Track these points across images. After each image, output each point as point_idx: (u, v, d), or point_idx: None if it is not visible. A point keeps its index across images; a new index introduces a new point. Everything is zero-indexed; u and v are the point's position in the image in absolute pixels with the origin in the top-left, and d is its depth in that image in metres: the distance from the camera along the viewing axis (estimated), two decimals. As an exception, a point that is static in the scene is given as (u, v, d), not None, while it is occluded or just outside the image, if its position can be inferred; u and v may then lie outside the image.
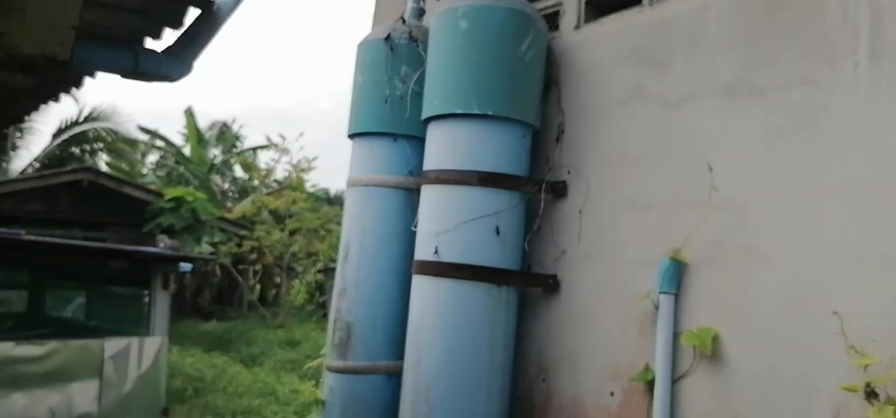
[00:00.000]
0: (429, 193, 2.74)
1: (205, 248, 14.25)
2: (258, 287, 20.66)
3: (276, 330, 15.66)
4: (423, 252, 2.71)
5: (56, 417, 8.42)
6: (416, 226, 2.81)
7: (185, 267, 10.41)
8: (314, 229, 16.62)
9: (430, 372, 2.62)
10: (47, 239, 8.25)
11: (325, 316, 13.88)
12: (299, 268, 19.22)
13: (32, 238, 8.13)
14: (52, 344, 8.68)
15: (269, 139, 19.04)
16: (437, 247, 2.65)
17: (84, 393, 8.80)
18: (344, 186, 3.27)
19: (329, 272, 16.40)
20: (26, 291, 11.99)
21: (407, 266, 2.89)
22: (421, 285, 2.71)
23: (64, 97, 3.95)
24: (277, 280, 19.81)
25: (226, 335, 15.07)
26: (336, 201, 19.92)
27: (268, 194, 17.76)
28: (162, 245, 9.74)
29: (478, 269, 2.60)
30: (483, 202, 2.62)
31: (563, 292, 2.72)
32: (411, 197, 2.97)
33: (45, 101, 4.02)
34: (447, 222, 2.64)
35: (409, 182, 2.99)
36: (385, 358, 3.00)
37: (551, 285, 2.74)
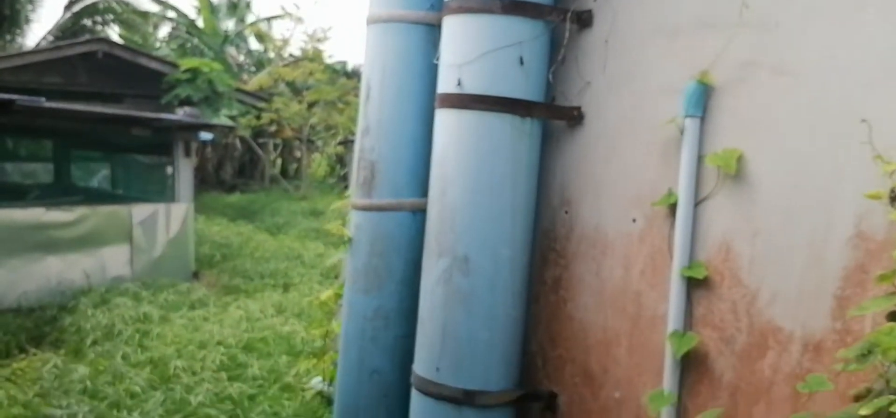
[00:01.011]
0: (451, 24, 2.69)
1: (223, 120, 14.30)
2: (279, 161, 20.87)
3: (299, 202, 15.94)
4: (445, 84, 2.70)
5: (90, 280, 8.77)
6: (438, 59, 2.78)
7: (206, 136, 10.50)
8: (332, 102, 16.53)
9: (455, 204, 2.67)
10: (68, 106, 8.30)
11: (347, 187, 14.07)
12: (319, 142, 19.28)
13: (54, 105, 8.19)
14: (81, 210, 8.92)
15: (283, 8, 18.66)
16: (459, 79, 2.63)
17: (116, 257, 9.13)
18: (361, 61, 3.21)
19: (349, 144, 16.48)
20: (51, 163, 12.21)
21: (429, 103, 2.89)
22: (444, 118, 2.72)
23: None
24: (298, 154, 19.96)
25: (249, 206, 15.39)
26: (354, 75, 19.71)
27: (284, 66, 17.60)
28: (181, 113, 9.77)
29: (501, 101, 2.59)
30: (507, 31, 2.58)
31: (587, 123, 2.71)
32: (432, 32, 2.93)
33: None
34: (470, 53, 2.61)
35: (430, 16, 2.93)
36: (409, 195, 3.05)
37: (575, 117, 2.73)
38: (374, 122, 3.06)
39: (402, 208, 3.05)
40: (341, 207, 3.44)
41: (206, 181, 17.03)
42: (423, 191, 2.91)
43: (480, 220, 2.63)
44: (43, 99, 8.18)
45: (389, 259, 3.08)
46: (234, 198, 16.37)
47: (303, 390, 5.05)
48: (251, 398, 5.21)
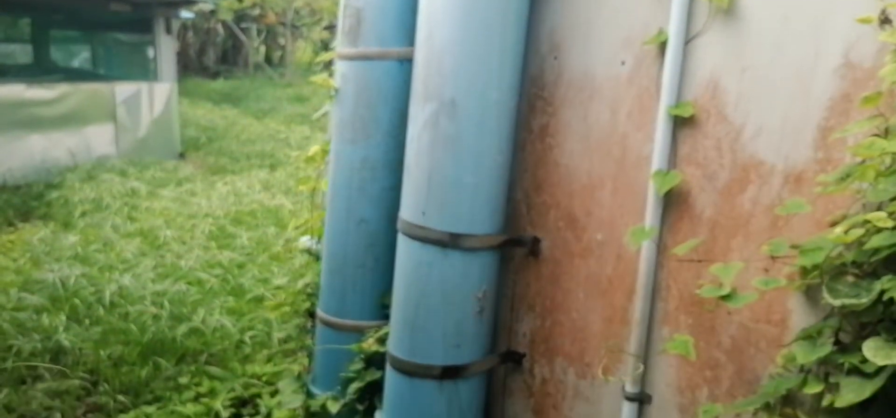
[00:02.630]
0: None
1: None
2: (263, 48, 20.44)
3: (285, 88, 15.74)
4: (433, -78, 2.61)
5: (76, 158, 8.72)
6: None
7: (187, 14, 10.24)
8: (316, -15, 16.01)
9: (442, 46, 2.63)
10: (43, -22, 8.01)
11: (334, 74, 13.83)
12: (303, 28, 18.82)
13: (28, -23, 7.88)
14: (62, 88, 8.78)
15: None
16: (448, -85, 2.54)
17: (100, 135, 9.05)
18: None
19: (335, 29, 16.11)
20: (30, 43, 11.91)
21: (416, -54, 2.80)
22: (431, -43, 2.64)
23: None
24: (282, 40, 19.53)
25: (234, 92, 15.19)
26: (338, -42, 19.03)
27: (266, -55, 16.94)
28: (161, -10, 9.46)
29: (490, -62, 2.51)
30: None
31: (578, -36, 2.65)
32: None
33: None
34: None
35: None
36: (396, 43, 3.00)
37: (565, -42, 2.66)
38: (360, -33, 2.97)
39: (389, 57, 3.01)
40: (327, 59, 3.39)
41: (188, 67, 16.71)
42: (411, 39, 2.86)
43: (468, 63, 2.60)
44: (16, -31, 7.89)
45: (376, 109, 3.06)
46: (218, 84, 16.12)
47: (291, 257, 5.13)
48: (240, 266, 5.30)
